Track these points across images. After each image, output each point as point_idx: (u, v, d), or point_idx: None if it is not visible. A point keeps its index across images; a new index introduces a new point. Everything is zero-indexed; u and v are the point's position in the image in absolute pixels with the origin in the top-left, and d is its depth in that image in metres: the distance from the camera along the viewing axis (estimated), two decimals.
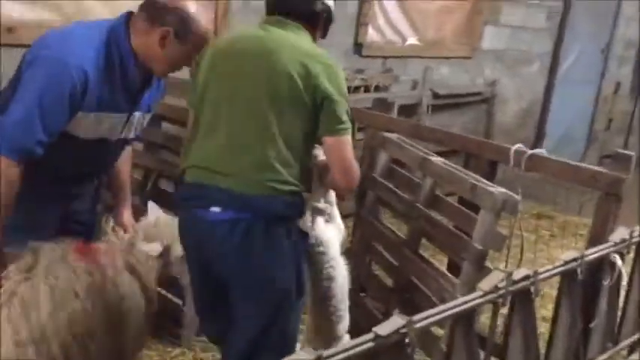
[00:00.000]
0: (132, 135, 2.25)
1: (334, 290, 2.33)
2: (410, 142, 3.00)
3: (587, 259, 2.14)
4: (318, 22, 2.09)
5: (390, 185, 3.02)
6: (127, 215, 2.39)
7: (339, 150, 1.98)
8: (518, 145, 2.70)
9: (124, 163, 2.40)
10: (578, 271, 2.12)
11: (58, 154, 2.01)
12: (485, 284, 1.83)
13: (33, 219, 2.10)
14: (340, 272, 2.34)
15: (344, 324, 2.41)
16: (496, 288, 1.81)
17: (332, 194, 2.32)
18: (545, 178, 2.68)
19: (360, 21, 4.65)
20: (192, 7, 2.04)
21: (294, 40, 1.99)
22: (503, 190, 2.33)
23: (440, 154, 2.81)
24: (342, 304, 2.37)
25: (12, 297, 1.84)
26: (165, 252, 2.25)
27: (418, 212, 2.74)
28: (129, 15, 2.06)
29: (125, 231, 2.31)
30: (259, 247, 1.96)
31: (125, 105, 2.11)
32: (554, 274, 2.05)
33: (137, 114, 2.19)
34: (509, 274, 1.85)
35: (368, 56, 4.78)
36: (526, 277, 1.91)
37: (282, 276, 2.02)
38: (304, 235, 2.12)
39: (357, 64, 4.74)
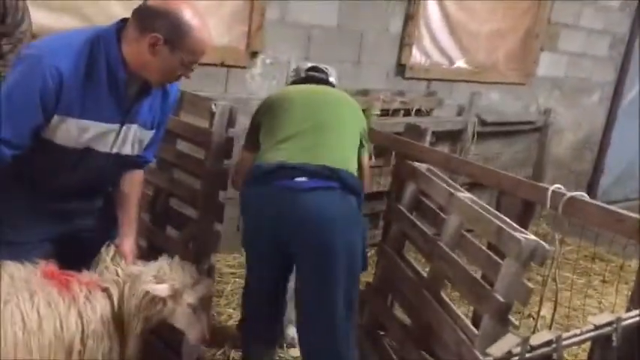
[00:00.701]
0: (129, 151, 2.09)
1: None
2: (441, 174, 2.77)
3: (624, 323, 1.86)
4: None
5: (415, 220, 2.79)
6: (128, 244, 2.21)
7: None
8: (556, 186, 2.43)
9: (132, 186, 2.25)
10: (613, 337, 1.85)
11: (42, 164, 1.92)
12: (497, 349, 1.59)
13: (19, 234, 2.00)
14: None
15: None
16: (509, 354, 1.58)
17: None
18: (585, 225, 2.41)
19: (404, 41, 4.44)
20: (187, 13, 1.90)
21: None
22: (532, 237, 2.08)
23: (475, 187, 2.60)
24: None
25: None
26: (174, 296, 2.08)
27: (439, 252, 2.50)
28: (122, 22, 1.96)
29: (126, 261, 2.15)
30: (349, 214, 2.30)
31: (115, 115, 1.98)
32: (584, 340, 1.79)
33: (133, 127, 2.05)
34: (526, 340, 1.61)
35: (411, 78, 4.56)
36: (547, 343, 1.66)
37: (360, 244, 2.35)
38: None
39: (398, 86, 4.53)
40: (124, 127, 2.03)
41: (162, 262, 2.14)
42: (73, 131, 1.92)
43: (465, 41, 5.00)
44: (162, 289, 2.04)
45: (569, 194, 2.37)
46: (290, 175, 2.24)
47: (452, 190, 2.54)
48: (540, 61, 5.61)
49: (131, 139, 2.07)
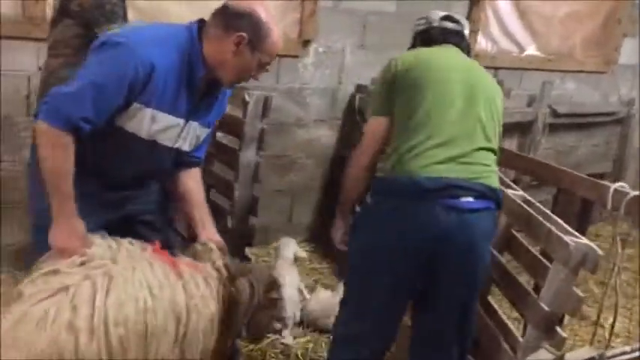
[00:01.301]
0: (187, 147, 2.13)
1: None
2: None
3: None
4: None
5: None
6: (211, 234, 2.22)
7: None
8: (619, 184, 2.20)
9: (196, 183, 2.26)
10: None
11: (109, 152, 1.97)
12: None
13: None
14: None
15: None
16: None
17: None
18: None
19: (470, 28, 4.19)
20: (265, 15, 1.97)
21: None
22: (583, 240, 1.87)
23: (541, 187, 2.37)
24: None
25: (84, 280, 1.79)
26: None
27: None
28: (201, 21, 2.00)
29: (222, 251, 2.16)
30: (493, 234, 2.09)
31: (183, 111, 2.02)
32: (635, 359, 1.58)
33: (194, 124, 2.09)
34: (561, 358, 1.43)
35: None
36: None
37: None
38: None
39: None
40: (188, 124, 2.06)
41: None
42: (145, 121, 1.95)
43: (537, 26, 4.68)
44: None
45: (634, 193, 2.13)
46: (456, 195, 1.95)
47: (502, 187, 2.34)
48: (623, 48, 5.18)
49: (191, 135, 2.10)
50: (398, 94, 2.10)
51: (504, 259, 2.33)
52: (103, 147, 1.98)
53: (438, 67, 2.13)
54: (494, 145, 2.11)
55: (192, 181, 2.24)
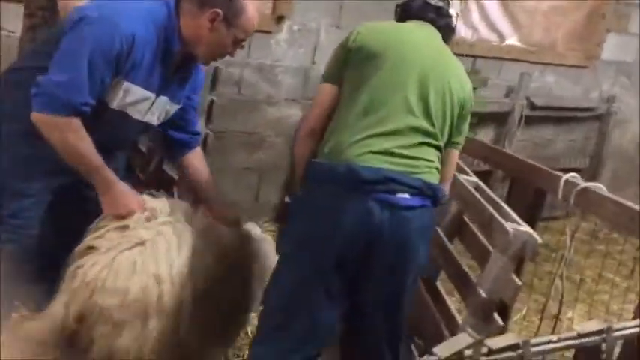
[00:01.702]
0: (154, 121, 2.11)
1: None
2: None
3: (617, 334, 1.62)
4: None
5: None
6: (222, 209, 2.27)
7: None
8: (570, 175, 2.18)
9: (198, 161, 2.31)
10: (602, 347, 1.62)
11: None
12: (445, 349, 1.41)
13: (29, 186, 2.02)
14: None
15: None
16: (459, 356, 1.39)
17: None
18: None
19: None
20: None
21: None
22: (523, 228, 1.85)
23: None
24: None
25: (157, 235, 1.90)
26: None
27: (436, 238, 2.30)
28: None
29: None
30: (429, 232, 2.00)
31: (155, 85, 2.01)
32: (561, 348, 1.56)
33: (164, 98, 2.07)
34: (480, 341, 1.42)
35: (453, 54, 4.26)
36: (512, 347, 1.46)
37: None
38: None
39: None
40: (158, 98, 2.05)
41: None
42: (119, 92, 1.94)
43: (520, 17, 4.64)
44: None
45: (584, 184, 2.11)
46: (392, 190, 1.86)
47: (454, 173, 2.32)
48: (606, 44, 5.15)
49: (159, 110, 2.08)
50: (349, 67, 1.97)
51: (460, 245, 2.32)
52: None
53: (398, 48, 1.97)
54: (441, 140, 1.97)
55: (197, 161, 2.30)
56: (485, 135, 4.77)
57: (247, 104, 3.71)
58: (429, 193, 1.90)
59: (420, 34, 2.04)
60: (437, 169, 1.95)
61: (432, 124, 1.93)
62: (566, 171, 2.33)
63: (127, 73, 1.91)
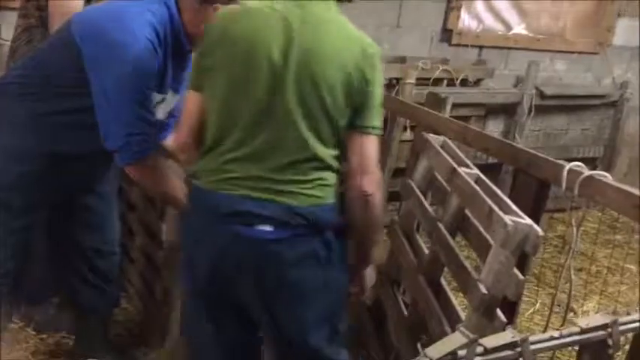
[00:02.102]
0: (162, 116, 2.08)
1: None
2: (457, 148, 2.47)
3: (624, 327, 1.54)
4: None
5: (421, 197, 2.52)
6: None
7: None
8: (574, 164, 2.09)
9: None
10: (609, 342, 1.54)
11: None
12: (436, 350, 1.35)
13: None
14: None
15: None
16: (452, 356, 1.33)
17: None
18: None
19: (452, 4, 4.07)
20: None
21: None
22: (524, 221, 1.77)
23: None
24: None
25: None
26: None
27: (438, 234, 2.23)
28: None
29: None
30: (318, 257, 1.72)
31: (168, 85, 2.01)
32: (564, 345, 1.49)
33: (170, 93, 2.07)
34: (473, 340, 1.35)
35: (458, 45, 4.19)
36: (510, 346, 1.39)
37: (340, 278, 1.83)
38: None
39: (444, 54, 4.18)
40: (167, 94, 2.04)
41: None
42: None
43: (526, 5, 4.54)
44: None
45: (587, 173, 2.03)
46: (250, 222, 1.63)
47: (455, 166, 2.25)
48: (617, 29, 5.03)
49: (165, 105, 2.07)
50: (205, 72, 1.66)
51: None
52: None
53: (247, 37, 1.60)
54: (329, 145, 1.65)
55: None
56: (495, 126, 4.68)
57: None
58: (298, 222, 1.61)
59: (285, 11, 1.60)
60: (325, 185, 1.66)
61: (309, 131, 1.61)
62: (579, 160, 2.26)
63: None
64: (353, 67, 1.61)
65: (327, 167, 1.67)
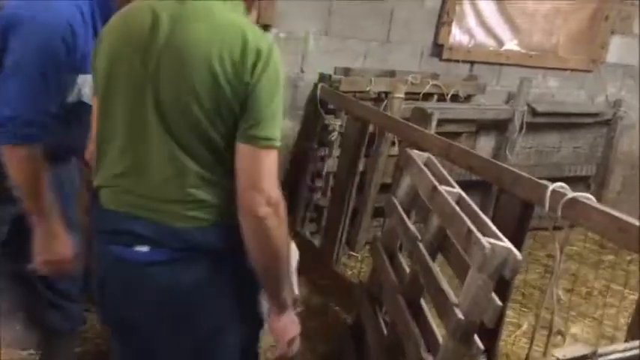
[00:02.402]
0: (87, 99, 1.95)
1: None
2: (440, 165, 2.41)
3: (604, 358, 1.47)
4: None
5: (403, 215, 2.45)
6: None
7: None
8: (557, 185, 2.03)
9: None
10: None
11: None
12: None
13: None
14: None
15: None
16: None
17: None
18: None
19: (443, 18, 4.02)
20: None
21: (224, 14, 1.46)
22: (503, 244, 1.71)
23: None
24: None
25: None
26: None
27: (418, 254, 2.16)
28: None
29: None
30: (193, 286, 1.50)
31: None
32: None
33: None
34: None
35: (449, 60, 4.14)
36: None
37: (210, 312, 1.55)
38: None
39: (436, 69, 4.12)
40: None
41: None
42: (75, 88, 1.87)
43: (519, 21, 4.50)
44: None
45: (571, 195, 1.97)
46: (128, 242, 1.48)
47: (436, 184, 2.19)
48: (611, 46, 4.99)
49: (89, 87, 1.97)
50: (94, 75, 1.55)
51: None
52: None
53: (119, 40, 1.46)
54: (198, 168, 1.42)
55: None
56: (487, 143, 4.63)
57: None
58: (177, 245, 1.46)
59: (151, 14, 1.43)
60: (209, 206, 1.45)
61: (176, 145, 1.41)
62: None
63: (79, 67, 1.82)
64: (228, 68, 1.37)
65: (210, 185, 1.45)
